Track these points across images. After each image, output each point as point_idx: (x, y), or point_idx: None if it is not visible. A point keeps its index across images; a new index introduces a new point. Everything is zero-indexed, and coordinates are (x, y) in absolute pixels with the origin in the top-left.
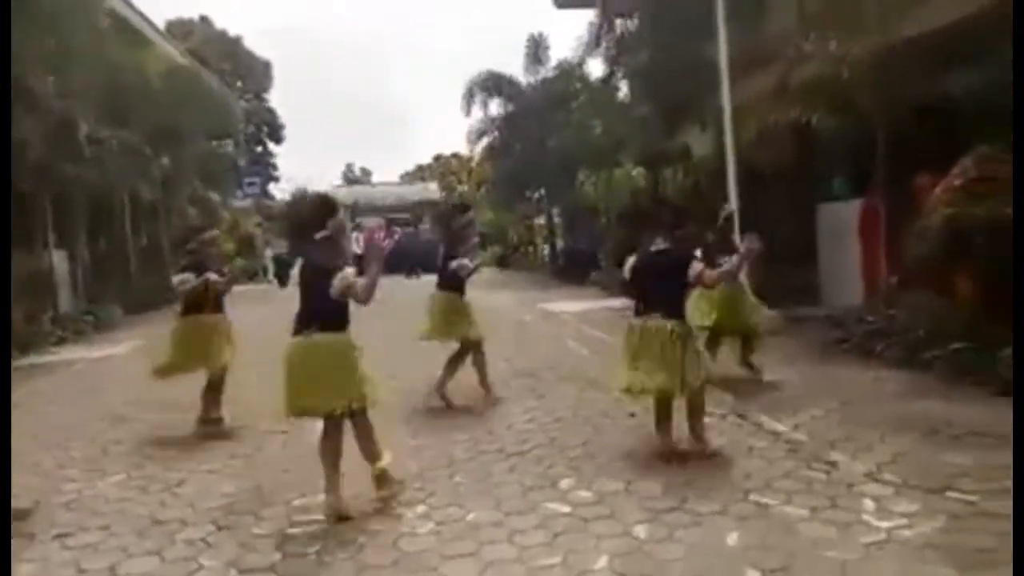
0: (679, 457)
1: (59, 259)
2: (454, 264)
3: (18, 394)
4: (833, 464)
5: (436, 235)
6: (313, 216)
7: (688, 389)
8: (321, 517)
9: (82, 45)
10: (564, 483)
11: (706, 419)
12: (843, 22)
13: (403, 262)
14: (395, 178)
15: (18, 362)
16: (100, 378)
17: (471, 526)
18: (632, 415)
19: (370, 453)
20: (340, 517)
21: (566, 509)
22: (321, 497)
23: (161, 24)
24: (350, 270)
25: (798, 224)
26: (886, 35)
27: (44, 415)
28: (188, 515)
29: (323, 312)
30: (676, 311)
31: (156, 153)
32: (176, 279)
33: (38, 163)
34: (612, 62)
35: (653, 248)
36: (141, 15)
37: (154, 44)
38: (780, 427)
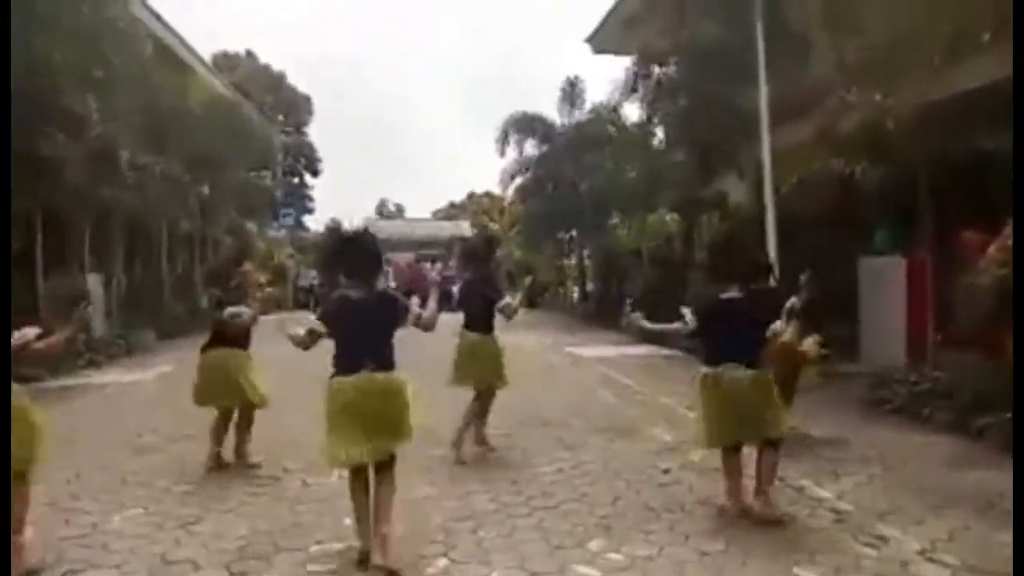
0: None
1: (95, 282)
2: (501, 304)
3: (43, 416)
4: (883, 539)
5: (467, 271)
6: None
7: (766, 441)
8: (336, 567)
9: (125, 70)
10: (594, 544)
11: (747, 482)
12: (887, 73)
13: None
14: (427, 214)
15: (48, 383)
16: (127, 403)
17: None
18: (666, 471)
19: (389, 511)
20: (362, 560)
21: (595, 573)
22: (338, 545)
23: (207, 56)
24: (415, 300)
25: (838, 277)
26: (930, 88)
27: (67, 440)
28: (201, 556)
29: (383, 348)
30: (757, 360)
31: (195, 181)
32: (231, 311)
33: (78, 186)
34: (649, 107)
35: (724, 296)
36: (187, 46)
37: (198, 74)
38: (823, 493)
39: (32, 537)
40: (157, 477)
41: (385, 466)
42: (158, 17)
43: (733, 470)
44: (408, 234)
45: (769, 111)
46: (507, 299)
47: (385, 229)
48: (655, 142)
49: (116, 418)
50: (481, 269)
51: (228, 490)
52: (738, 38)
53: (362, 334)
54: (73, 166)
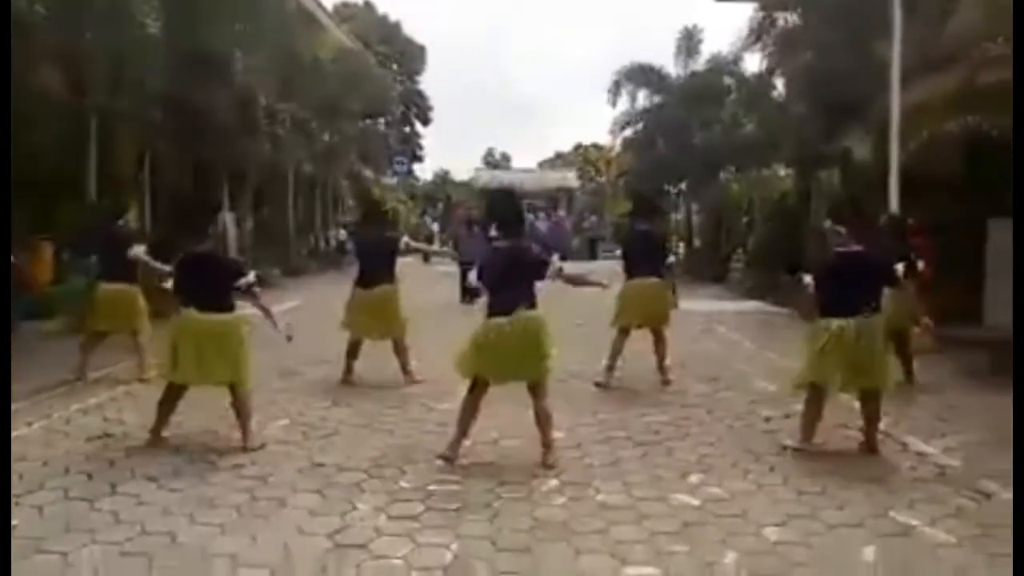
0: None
1: (230, 221)
2: (672, 259)
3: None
4: (987, 494)
5: (640, 224)
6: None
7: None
8: (459, 478)
9: (268, 24)
10: (694, 477)
11: (848, 433)
12: None
13: None
14: (534, 164)
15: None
16: (264, 333)
17: (601, 505)
18: (768, 419)
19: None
20: (445, 457)
21: (696, 502)
22: (460, 461)
23: (329, 6)
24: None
25: (964, 239)
26: None
27: None
28: (342, 461)
29: (531, 292)
30: (870, 312)
31: (320, 128)
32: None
33: (223, 131)
34: (771, 58)
35: (843, 249)
36: None
37: (322, 25)
38: (928, 449)
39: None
40: (299, 395)
41: (539, 388)
42: None
43: (813, 408)
44: (514, 183)
45: (903, 63)
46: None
47: (492, 178)
48: (775, 95)
49: (257, 346)
50: (653, 222)
51: (361, 409)
52: None
53: (516, 280)
54: (219, 113)
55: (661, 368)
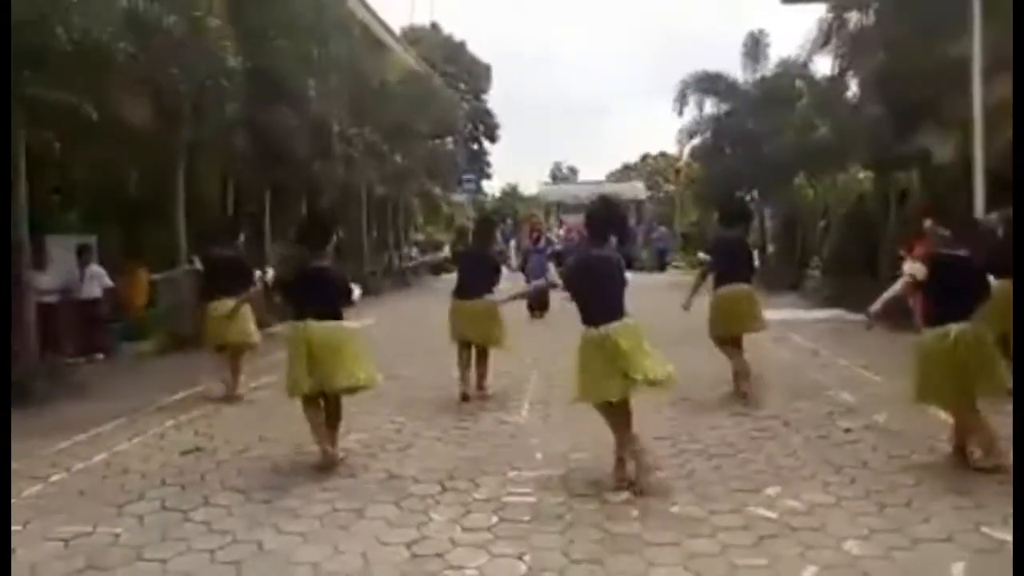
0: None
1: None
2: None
3: (276, 357)
4: None
5: (730, 231)
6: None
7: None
8: (531, 490)
9: (339, 52)
10: (771, 490)
11: (935, 444)
12: None
13: None
14: (601, 177)
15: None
16: None
17: (675, 518)
18: (847, 430)
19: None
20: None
21: (773, 515)
22: (531, 473)
23: (397, 30)
24: None
25: None
26: None
27: None
28: (418, 474)
29: (621, 302)
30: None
31: (391, 150)
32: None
33: (299, 157)
34: (843, 60)
35: (950, 251)
36: (382, 23)
37: (391, 49)
38: None
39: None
40: (374, 409)
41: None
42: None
43: (973, 422)
44: (581, 196)
45: (984, 60)
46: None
47: (559, 192)
48: (848, 96)
49: None
50: (742, 229)
51: (434, 422)
52: None
53: (610, 291)
54: (295, 138)
55: (740, 380)
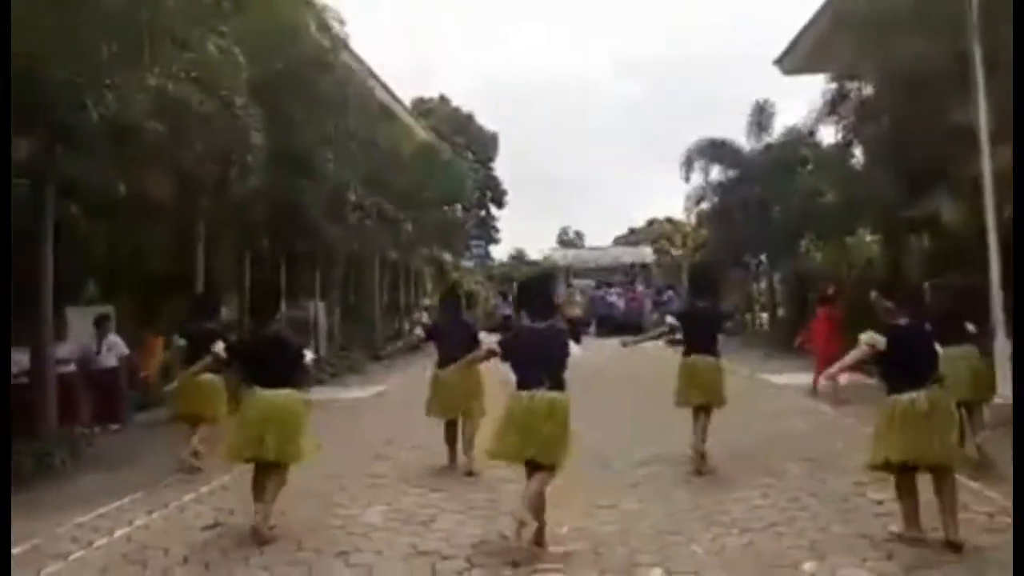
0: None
1: (321, 309)
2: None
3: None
4: None
5: (699, 299)
6: None
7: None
8: (562, 566)
9: (355, 126)
10: (808, 566)
11: (970, 516)
12: None
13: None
14: (608, 241)
15: None
16: (354, 418)
17: None
18: (880, 502)
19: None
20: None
21: None
22: (559, 548)
23: (407, 102)
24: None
25: None
26: None
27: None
28: (444, 549)
29: (559, 370)
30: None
31: (403, 218)
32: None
33: (312, 226)
34: (849, 128)
35: (893, 323)
36: (393, 95)
37: (404, 122)
38: None
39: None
40: (393, 481)
41: (544, 469)
42: (372, 73)
43: (905, 493)
44: (589, 261)
45: (990, 125)
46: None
47: (567, 257)
48: (854, 162)
49: (350, 430)
50: (712, 299)
51: (456, 493)
52: (948, 51)
53: (544, 358)
54: (311, 208)
55: (699, 449)
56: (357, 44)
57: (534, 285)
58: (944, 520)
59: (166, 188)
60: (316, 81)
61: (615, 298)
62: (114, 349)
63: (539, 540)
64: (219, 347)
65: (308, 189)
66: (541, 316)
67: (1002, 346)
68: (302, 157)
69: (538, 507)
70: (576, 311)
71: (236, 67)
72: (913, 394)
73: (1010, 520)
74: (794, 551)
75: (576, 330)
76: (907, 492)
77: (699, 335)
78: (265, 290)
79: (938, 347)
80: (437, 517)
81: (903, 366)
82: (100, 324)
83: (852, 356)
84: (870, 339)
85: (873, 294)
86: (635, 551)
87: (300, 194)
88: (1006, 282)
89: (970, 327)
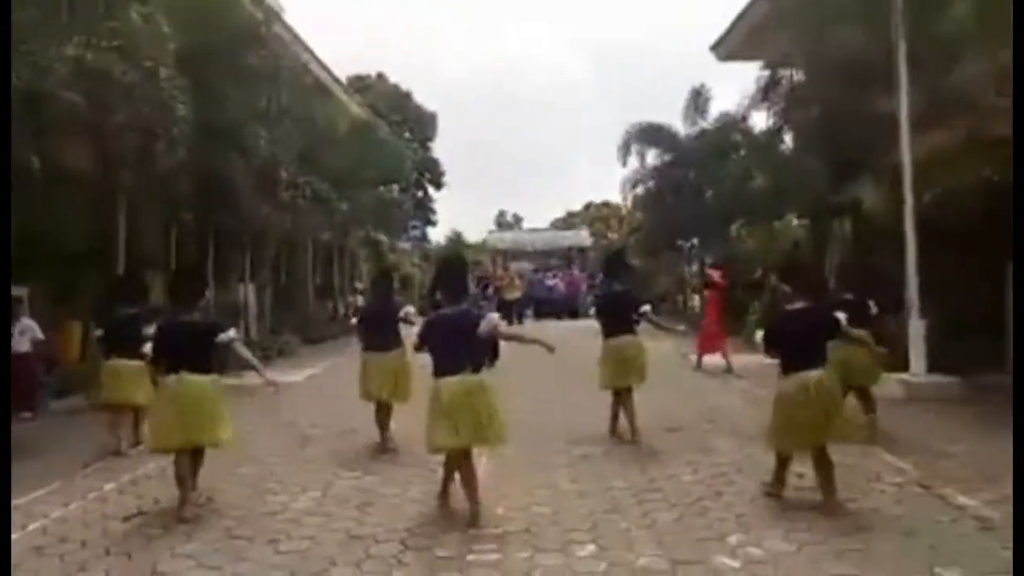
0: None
1: (251, 292)
2: (645, 309)
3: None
4: None
5: (615, 282)
6: None
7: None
8: (496, 547)
9: (288, 101)
10: (733, 538)
11: (883, 487)
12: None
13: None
14: (546, 224)
15: None
16: (288, 401)
17: (642, 570)
18: (800, 475)
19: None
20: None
21: (736, 564)
22: (494, 530)
23: (344, 79)
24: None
25: (984, 286)
26: None
27: (248, 432)
28: (379, 533)
29: (477, 354)
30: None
31: (338, 198)
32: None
33: (242, 204)
34: (780, 115)
35: (791, 307)
36: (328, 71)
37: (339, 98)
38: (967, 501)
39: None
40: (327, 465)
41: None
42: (307, 49)
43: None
44: (527, 244)
45: (911, 116)
46: (646, 308)
47: (505, 240)
48: (783, 148)
49: (282, 414)
50: (627, 282)
51: (391, 478)
52: (876, 43)
53: (459, 344)
54: (241, 185)
55: (632, 427)
56: (292, 17)
57: (448, 269)
58: (823, 488)
59: (85, 160)
60: (247, 54)
61: (555, 281)
62: (27, 333)
63: (474, 522)
64: (147, 348)
65: (237, 164)
66: (455, 300)
67: (916, 326)
68: (231, 131)
69: (473, 487)
70: (516, 294)
71: (161, 37)
72: (804, 375)
73: (921, 490)
74: (721, 524)
75: (518, 312)
76: (787, 458)
77: (617, 317)
78: (187, 275)
79: (843, 317)
80: (372, 501)
81: (795, 348)
82: (12, 307)
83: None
84: (760, 337)
85: (772, 279)
86: (569, 529)
87: (229, 169)
88: (920, 265)
89: (873, 307)
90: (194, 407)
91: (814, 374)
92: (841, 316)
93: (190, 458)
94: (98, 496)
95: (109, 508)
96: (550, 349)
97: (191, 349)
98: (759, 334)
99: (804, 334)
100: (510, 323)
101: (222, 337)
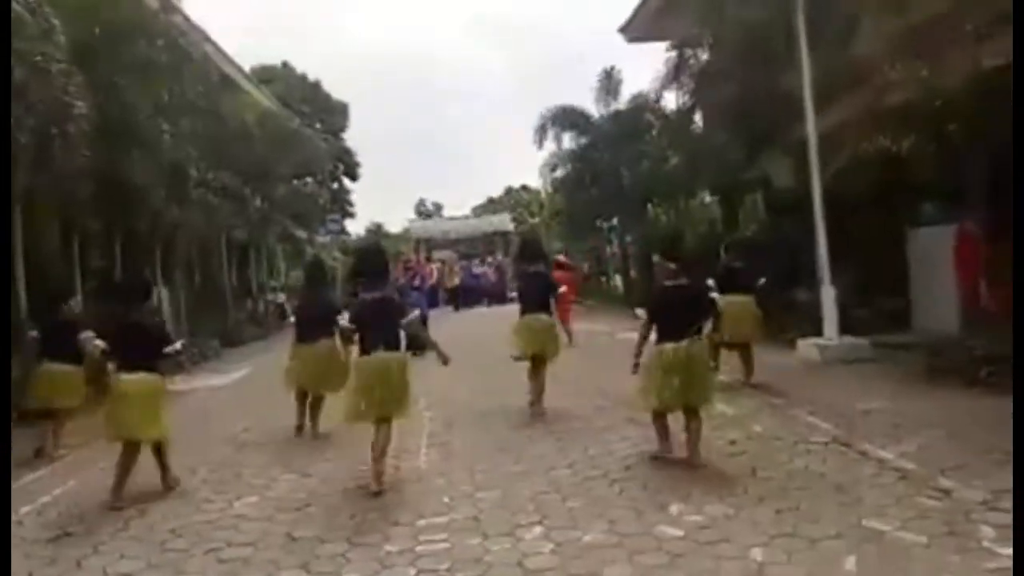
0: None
1: (164, 295)
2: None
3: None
4: (946, 492)
5: (531, 265)
6: None
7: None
8: (446, 536)
9: (193, 94)
10: (675, 508)
11: (809, 447)
12: (931, 48)
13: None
14: (467, 212)
15: None
16: (216, 405)
17: (589, 547)
18: (732, 442)
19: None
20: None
21: (680, 532)
22: (441, 519)
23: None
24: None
25: (887, 250)
26: (975, 61)
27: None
28: (323, 533)
29: (393, 333)
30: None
31: (251, 193)
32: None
33: (149, 204)
34: (691, 94)
35: (671, 283)
36: (233, 63)
37: (245, 90)
38: (886, 454)
39: None
40: (263, 468)
41: (385, 422)
42: (208, 39)
43: (660, 423)
44: (448, 231)
45: (813, 91)
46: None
47: (425, 228)
48: (695, 127)
49: (212, 419)
50: (541, 265)
51: (329, 475)
52: (777, 21)
53: (376, 325)
54: (146, 184)
55: (538, 398)
56: (190, 6)
57: (365, 258)
58: (689, 447)
59: None
60: (144, 45)
61: (482, 269)
62: None
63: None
64: (99, 344)
65: (142, 163)
66: (374, 287)
67: (827, 292)
68: (133, 127)
69: (384, 452)
70: (455, 280)
71: (49, 30)
72: (675, 344)
73: (844, 447)
74: (662, 495)
75: (455, 299)
76: (662, 422)
77: (532, 297)
78: (134, 278)
79: (718, 296)
80: (313, 501)
81: (668, 321)
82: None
83: (641, 329)
84: (640, 313)
85: (655, 258)
86: (515, 512)
87: (133, 168)
88: (828, 234)
89: (761, 281)
90: (139, 402)
91: (680, 344)
92: (715, 295)
93: (132, 453)
94: (15, 520)
95: (27, 531)
96: (444, 361)
97: (139, 349)
98: (639, 311)
99: (677, 308)
100: (456, 309)
101: (178, 346)
